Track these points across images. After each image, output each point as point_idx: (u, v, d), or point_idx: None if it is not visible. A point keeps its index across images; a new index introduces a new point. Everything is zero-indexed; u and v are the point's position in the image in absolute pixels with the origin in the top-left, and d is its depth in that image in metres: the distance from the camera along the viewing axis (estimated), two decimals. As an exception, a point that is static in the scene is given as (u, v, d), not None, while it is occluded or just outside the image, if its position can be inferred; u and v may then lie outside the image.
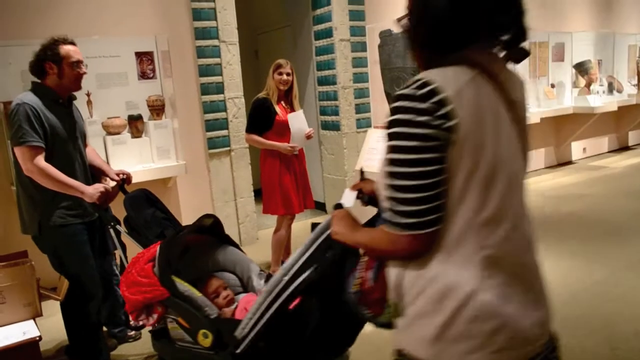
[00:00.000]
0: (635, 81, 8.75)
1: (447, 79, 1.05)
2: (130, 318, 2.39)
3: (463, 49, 1.11)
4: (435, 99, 1.02)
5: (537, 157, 7.97)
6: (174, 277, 2.22)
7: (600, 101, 7.65)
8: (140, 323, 2.32)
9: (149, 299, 2.21)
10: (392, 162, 1.05)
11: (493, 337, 1.06)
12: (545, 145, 8.03)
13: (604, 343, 2.86)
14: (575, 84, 7.92)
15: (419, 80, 1.05)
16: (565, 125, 7.96)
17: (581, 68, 7.88)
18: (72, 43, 2.70)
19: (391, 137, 1.06)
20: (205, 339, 2.11)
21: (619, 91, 8.49)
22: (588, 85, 7.83)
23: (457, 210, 1.06)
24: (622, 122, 8.92)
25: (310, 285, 1.68)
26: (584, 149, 8.71)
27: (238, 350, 1.87)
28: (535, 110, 6.86)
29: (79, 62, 2.69)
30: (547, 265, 3.91)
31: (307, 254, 1.67)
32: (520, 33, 1.21)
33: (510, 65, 1.20)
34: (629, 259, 4.05)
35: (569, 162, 8.40)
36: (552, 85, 7.72)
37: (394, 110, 1.06)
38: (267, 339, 1.85)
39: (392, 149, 1.05)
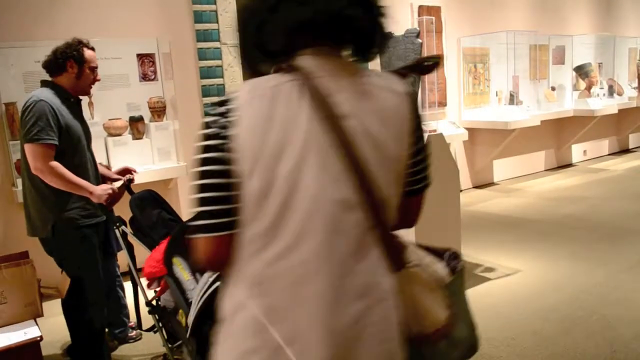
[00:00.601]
0: (635, 84, 8.76)
1: (251, 87, 1.01)
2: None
3: (297, 52, 1.03)
4: (222, 109, 1.00)
5: (538, 159, 7.98)
6: (177, 259, 2.28)
7: (601, 104, 7.66)
8: (152, 290, 2.53)
9: (153, 273, 2.39)
10: (195, 166, 1.03)
11: (247, 357, 1.00)
12: (546, 148, 8.03)
13: (604, 345, 2.86)
14: (575, 87, 7.94)
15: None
16: (566, 128, 7.96)
17: (581, 71, 7.89)
18: (93, 49, 2.74)
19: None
20: (182, 318, 2.25)
21: (619, 94, 8.50)
22: (588, 88, 7.85)
23: (241, 223, 1.01)
24: (623, 124, 8.92)
25: None
26: (585, 151, 8.71)
27: (187, 334, 1.93)
28: (536, 113, 6.86)
29: (96, 69, 2.74)
30: (547, 267, 3.92)
31: None
32: (366, 40, 1.06)
33: (378, 77, 1.06)
34: (629, 261, 4.05)
35: (570, 165, 8.40)
36: (553, 88, 7.73)
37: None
38: (208, 322, 1.85)
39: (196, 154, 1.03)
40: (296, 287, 0.99)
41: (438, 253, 1.24)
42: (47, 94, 2.58)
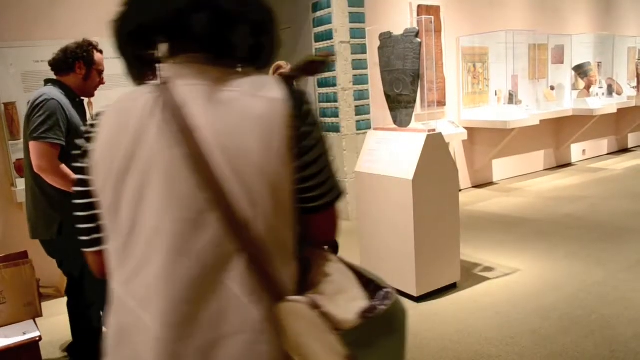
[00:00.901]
0: (634, 83, 8.77)
1: (117, 99, 1.01)
2: None
3: (163, 61, 0.99)
4: (89, 126, 1.01)
5: (537, 159, 7.99)
6: None
7: (600, 103, 7.67)
8: None
9: None
10: None
11: None
12: (545, 147, 8.04)
13: (603, 345, 2.86)
14: (574, 86, 7.94)
15: None
16: (565, 128, 7.97)
17: (580, 70, 7.90)
18: (102, 52, 2.75)
19: None
20: None
21: (619, 93, 8.51)
22: (587, 87, 7.86)
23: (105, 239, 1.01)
24: (622, 124, 8.93)
25: None
26: (584, 151, 8.72)
27: None
28: (535, 113, 6.87)
29: (102, 72, 2.76)
30: (546, 267, 3.92)
31: None
32: (229, 47, 0.98)
33: (250, 83, 0.97)
34: (628, 260, 4.05)
35: (569, 164, 8.41)
36: (552, 88, 7.74)
37: None
38: None
39: None
40: (139, 311, 0.94)
41: (376, 288, 1.03)
42: (57, 93, 2.56)
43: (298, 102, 0.96)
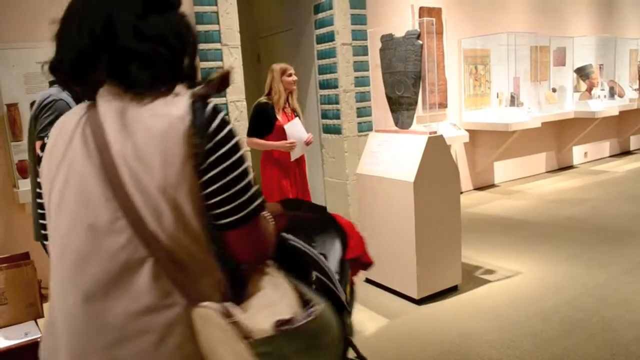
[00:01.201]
0: (636, 86, 8.76)
1: (69, 111, 1.13)
2: None
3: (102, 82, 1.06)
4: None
5: (539, 161, 7.98)
6: None
7: (602, 106, 7.66)
8: None
9: None
10: None
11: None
12: (547, 150, 8.03)
13: (604, 348, 2.86)
14: (576, 89, 7.94)
15: None
16: (567, 130, 7.96)
17: (582, 72, 7.89)
18: None
19: None
20: None
21: (620, 96, 8.50)
22: (589, 89, 7.85)
23: None
24: (624, 126, 8.92)
25: None
26: (585, 153, 8.71)
27: None
28: (537, 115, 6.86)
29: None
30: (548, 269, 3.91)
31: None
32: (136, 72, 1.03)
33: (157, 103, 1.01)
34: (629, 263, 4.05)
35: (570, 167, 8.40)
36: (554, 90, 7.73)
37: None
38: None
39: None
40: (54, 308, 1.05)
41: (310, 307, 1.03)
42: (64, 95, 2.58)
43: (202, 119, 0.99)
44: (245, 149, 0.89)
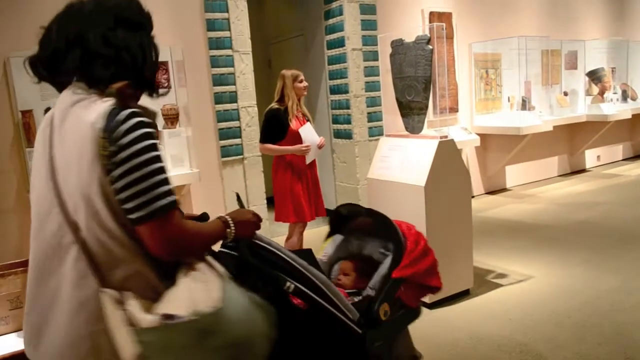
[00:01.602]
0: (649, 89, 8.69)
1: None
2: None
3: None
4: None
5: (551, 165, 7.94)
6: None
7: (614, 109, 7.61)
8: None
9: None
10: None
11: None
12: (559, 153, 7.99)
13: (618, 352, 2.84)
14: (588, 92, 7.89)
15: None
16: (579, 133, 7.92)
17: (594, 76, 7.85)
18: None
19: None
20: None
21: (633, 99, 8.44)
22: (601, 93, 7.80)
23: None
24: (637, 129, 8.85)
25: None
26: (598, 156, 8.65)
27: None
28: (548, 119, 6.83)
29: None
30: (560, 273, 3.88)
31: None
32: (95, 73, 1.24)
33: (85, 107, 1.19)
34: (643, 267, 4.02)
35: (583, 170, 8.34)
36: (565, 93, 7.69)
37: None
38: None
39: None
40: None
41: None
42: None
43: (111, 124, 1.12)
44: (157, 152, 1.00)
